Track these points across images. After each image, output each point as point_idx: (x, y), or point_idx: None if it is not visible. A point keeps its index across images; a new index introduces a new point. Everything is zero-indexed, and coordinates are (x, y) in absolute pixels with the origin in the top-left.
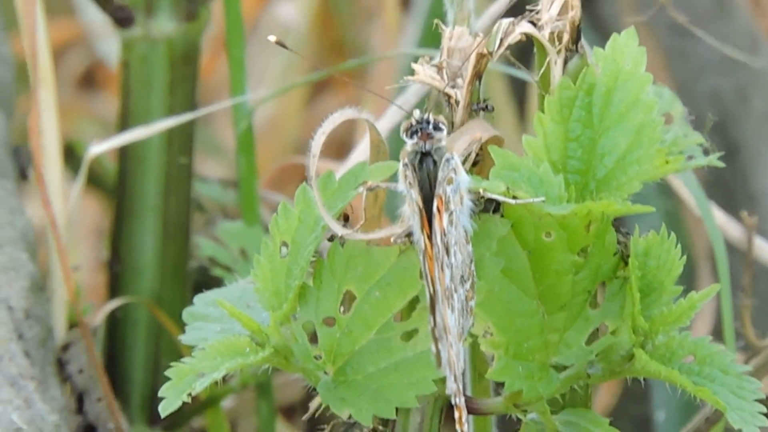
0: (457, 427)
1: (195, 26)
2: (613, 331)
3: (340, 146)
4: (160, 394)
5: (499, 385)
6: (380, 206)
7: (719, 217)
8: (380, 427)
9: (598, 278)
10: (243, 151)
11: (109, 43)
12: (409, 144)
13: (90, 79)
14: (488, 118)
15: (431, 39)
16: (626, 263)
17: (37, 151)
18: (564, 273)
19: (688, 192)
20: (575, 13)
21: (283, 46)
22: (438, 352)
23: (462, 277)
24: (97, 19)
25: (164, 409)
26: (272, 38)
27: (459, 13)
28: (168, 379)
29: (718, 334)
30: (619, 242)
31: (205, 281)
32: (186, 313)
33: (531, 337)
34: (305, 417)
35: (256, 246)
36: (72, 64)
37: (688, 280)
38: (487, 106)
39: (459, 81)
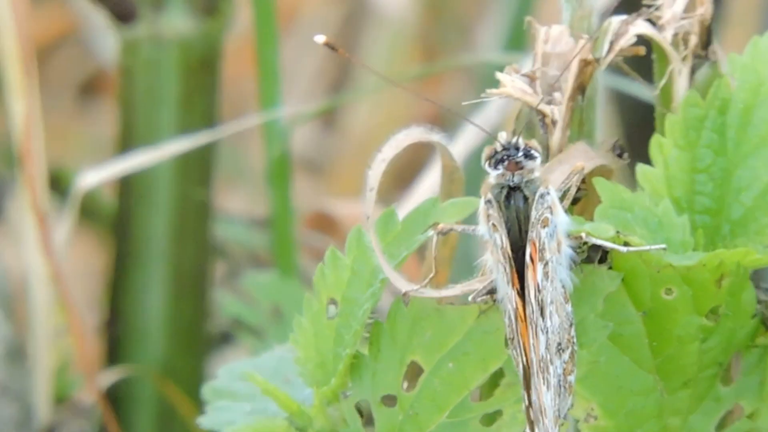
0: None
1: (215, 23)
2: (751, 414)
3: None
4: None
5: None
6: (450, 251)
7: None
8: None
9: (731, 347)
10: (276, 183)
11: (109, 41)
12: (494, 176)
13: (88, 87)
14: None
15: (519, 41)
16: (767, 328)
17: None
18: (689, 340)
19: None
20: (705, 9)
21: (333, 48)
22: None
23: (559, 345)
24: (93, 13)
25: None
26: (320, 38)
27: (579, 10)
28: None
29: None
30: (759, 301)
31: (228, 348)
32: (207, 389)
33: (646, 421)
34: None
35: (294, 303)
36: (63, 68)
37: None
38: (621, 152)
39: (557, 95)
